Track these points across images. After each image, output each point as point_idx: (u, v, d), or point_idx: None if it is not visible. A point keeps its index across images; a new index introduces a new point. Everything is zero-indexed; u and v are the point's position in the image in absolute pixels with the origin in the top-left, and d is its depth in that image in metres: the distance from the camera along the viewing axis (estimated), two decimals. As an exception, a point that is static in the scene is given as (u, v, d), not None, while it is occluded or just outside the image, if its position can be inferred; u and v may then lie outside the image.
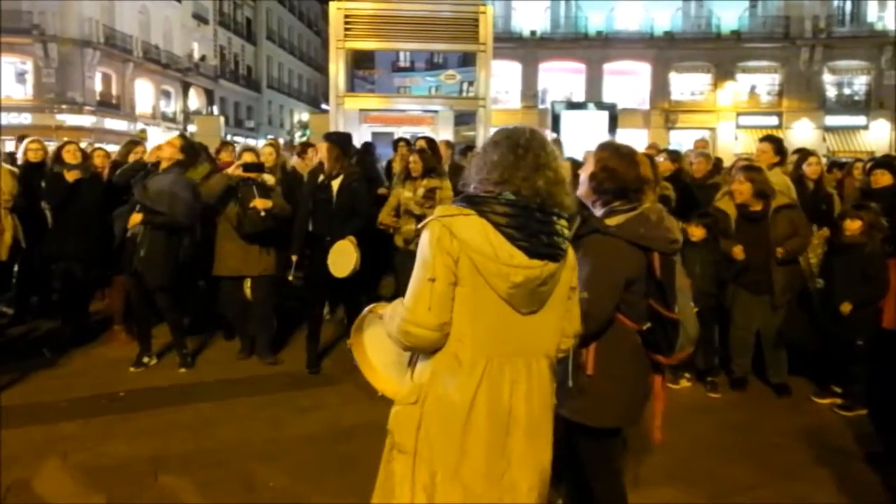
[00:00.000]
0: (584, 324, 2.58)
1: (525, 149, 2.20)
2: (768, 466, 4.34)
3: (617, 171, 2.82)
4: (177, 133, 6.34)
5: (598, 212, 2.87)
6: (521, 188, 2.14)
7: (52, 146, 7.32)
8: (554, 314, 2.25)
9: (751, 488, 4.06)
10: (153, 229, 5.63)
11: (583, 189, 2.92)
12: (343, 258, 5.55)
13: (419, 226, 2.12)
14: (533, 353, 2.21)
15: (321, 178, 5.82)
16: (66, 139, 7.34)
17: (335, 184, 5.74)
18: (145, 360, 5.95)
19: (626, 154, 2.90)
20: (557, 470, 2.55)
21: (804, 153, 7.04)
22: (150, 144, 7.15)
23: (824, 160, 10.67)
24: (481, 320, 2.13)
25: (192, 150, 6.40)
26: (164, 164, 5.78)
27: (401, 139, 8.86)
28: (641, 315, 2.78)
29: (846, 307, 5.07)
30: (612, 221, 2.77)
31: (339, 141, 5.99)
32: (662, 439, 3.03)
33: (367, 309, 2.49)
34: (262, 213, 5.80)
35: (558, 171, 2.22)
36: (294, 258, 5.94)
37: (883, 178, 5.96)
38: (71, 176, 6.12)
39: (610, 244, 2.71)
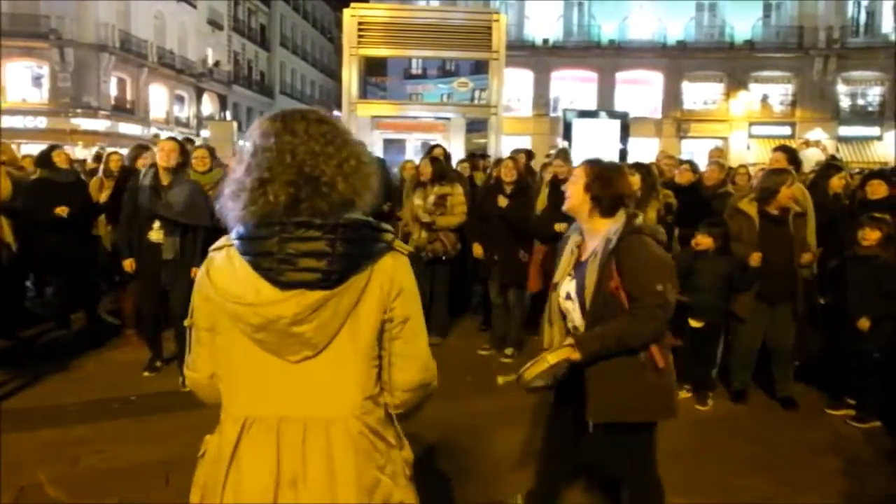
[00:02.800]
0: (665, 315, 2.82)
1: (263, 137, 1.72)
2: (782, 478, 4.29)
3: (611, 179, 2.97)
4: (169, 137, 6.28)
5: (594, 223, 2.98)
6: (268, 198, 1.66)
7: (68, 150, 7.37)
8: (352, 361, 1.71)
9: (765, 500, 4.03)
10: (174, 236, 5.51)
11: (571, 202, 3.03)
12: None
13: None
14: (317, 416, 1.68)
15: None
16: (52, 143, 7.36)
17: None
18: (158, 364, 5.93)
19: (614, 167, 3.15)
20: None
21: (832, 167, 7.02)
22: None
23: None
24: (239, 373, 1.73)
25: (185, 150, 6.33)
26: (164, 172, 5.52)
27: (437, 145, 8.85)
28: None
29: (865, 323, 5.01)
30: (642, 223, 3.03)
31: None
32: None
33: None
34: None
35: (330, 152, 1.69)
36: None
37: (880, 189, 5.89)
38: (60, 211, 6.20)
39: (650, 240, 2.91)
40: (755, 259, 5.18)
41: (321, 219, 1.64)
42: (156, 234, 5.51)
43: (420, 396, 1.83)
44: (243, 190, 1.67)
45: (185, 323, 1.82)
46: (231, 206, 1.70)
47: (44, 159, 6.57)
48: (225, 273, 1.68)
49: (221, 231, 1.78)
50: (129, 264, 5.61)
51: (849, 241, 5.30)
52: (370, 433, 1.72)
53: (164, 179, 5.48)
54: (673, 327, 3.05)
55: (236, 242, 1.68)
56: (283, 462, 1.66)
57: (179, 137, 7.35)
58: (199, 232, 5.51)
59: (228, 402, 1.76)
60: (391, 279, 1.71)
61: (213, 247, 1.75)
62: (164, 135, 22.32)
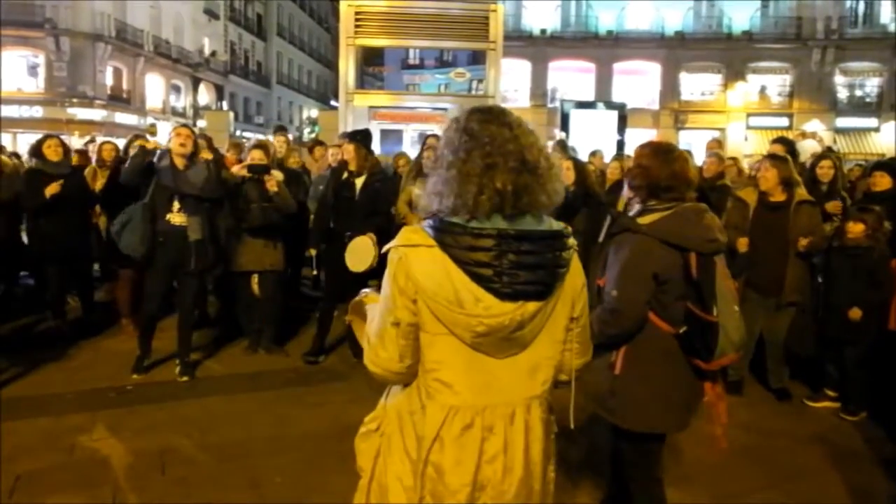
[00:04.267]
0: (615, 321, 2.71)
1: (471, 140, 1.78)
2: (775, 469, 4.33)
3: (650, 169, 2.80)
4: (182, 124, 6.17)
5: (635, 210, 2.86)
6: (478, 205, 1.73)
7: (65, 139, 7.30)
8: (546, 352, 1.90)
9: (758, 490, 4.05)
10: (198, 215, 5.42)
11: (625, 189, 2.98)
12: (362, 254, 5.60)
13: (385, 247, 1.85)
14: (516, 401, 1.87)
15: (345, 175, 5.89)
16: (47, 133, 7.23)
17: (358, 182, 5.84)
18: (145, 363, 5.71)
19: (662, 152, 2.87)
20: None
21: (821, 156, 7.00)
22: (160, 139, 7.07)
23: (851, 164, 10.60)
24: (447, 367, 1.83)
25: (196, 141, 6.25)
26: (179, 158, 5.41)
27: (432, 134, 8.85)
28: (677, 318, 2.71)
29: (856, 313, 5.02)
30: (644, 220, 2.76)
31: (364, 140, 6.07)
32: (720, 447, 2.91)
33: (362, 294, 2.20)
34: (263, 205, 5.82)
35: (532, 159, 1.78)
36: (313, 252, 6.11)
37: (882, 181, 5.86)
38: (49, 191, 6.06)
39: (639, 242, 2.70)
40: (742, 244, 5.16)
41: (539, 211, 1.79)
42: (178, 216, 5.35)
43: (582, 374, 2.07)
44: (469, 176, 1.74)
45: (390, 321, 1.82)
46: (452, 192, 1.75)
47: (35, 150, 6.48)
48: (434, 276, 1.74)
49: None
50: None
51: (836, 232, 5.30)
52: (549, 408, 1.98)
53: (180, 164, 5.38)
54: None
55: (440, 245, 1.74)
56: (487, 443, 1.84)
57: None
58: (216, 210, 5.56)
59: (433, 390, 1.85)
60: (578, 276, 1.92)
61: (405, 243, 1.78)
62: (160, 125, 22.28)
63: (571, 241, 1.88)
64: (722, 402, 2.90)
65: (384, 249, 1.85)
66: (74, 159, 7.29)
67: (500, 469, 1.84)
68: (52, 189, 6.08)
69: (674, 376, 2.80)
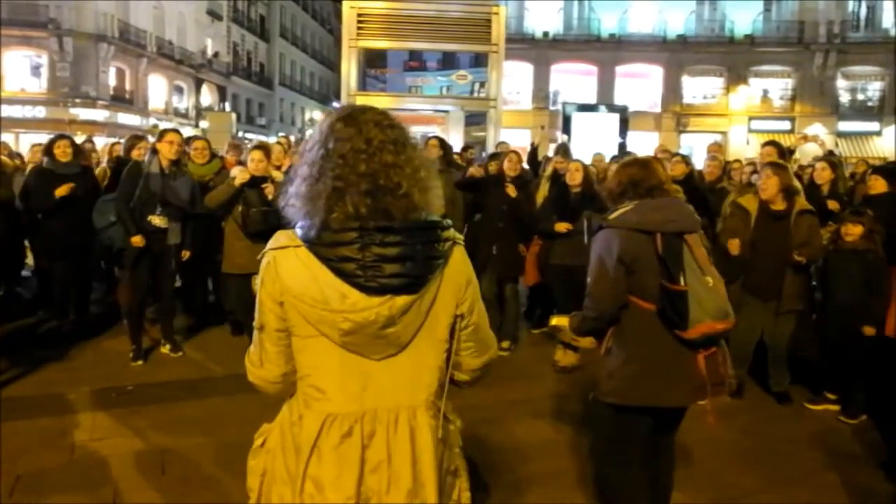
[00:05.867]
0: (592, 305, 3.05)
1: (336, 140, 1.71)
2: (774, 472, 4.33)
3: (606, 180, 3.30)
4: (173, 129, 6.22)
5: (609, 211, 3.19)
6: (329, 222, 1.66)
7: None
8: (428, 352, 1.80)
9: (756, 493, 4.06)
10: (178, 221, 5.86)
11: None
12: None
13: (259, 255, 1.81)
14: (399, 406, 1.76)
15: None
16: (57, 133, 7.26)
17: None
18: (140, 362, 5.92)
19: (623, 165, 3.31)
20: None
21: (818, 158, 7.03)
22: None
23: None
24: (321, 372, 1.75)
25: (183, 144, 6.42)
26: (167, 163, 5.76)
27: (433, 136, 8.89)
28: (655, 295, 2.94)
29: (869, 331, 5.01)
30: (612, 216, 3.09)
31: None
32: (712, 423, 3.00)
33: None
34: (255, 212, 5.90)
35: (387, 182, 1.68)
36: None
37: (877, 184, 5.84)
38: (60, 192, 6.15)
39: (606, 233, 3.05)
40: (733, 246, 5.18)
41: (398, 223, 1.67)
42: (160, 219, 5.71)
43: (487, 371, 1.97)
44: (318, 195, 1.67)
45: (255, 324, 1.81)
46: (303, 207, 1.69)
47: (46, 150, 6.59)
48: (300, 276, 1.68)
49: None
50: (139, 240, 5.64)
51: (833, 236, 5.30)
52: (439, 413, 1.83)
53: (168, 169, 5.74)
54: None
55: (307, 244, 1.68)
56: (368, 451, 1.73)
57: (179, 128, 7.31)
58: (189, 220, 5.94)
59: (308, 398, 1.78)
60: (461, 272, 1.81)
61: (274, 246, 1.74)
62: (162, 125, 22.28)
63: (450, 233, 1.78)
64: (710, 374, 2.95)
65: (258, 256, 1.80)
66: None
67: (385, 480, 1.73)
68: (62, 191, 6.16)
69: (660, 351, 2.97)
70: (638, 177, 3.11)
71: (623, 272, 2.96)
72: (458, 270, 1.80)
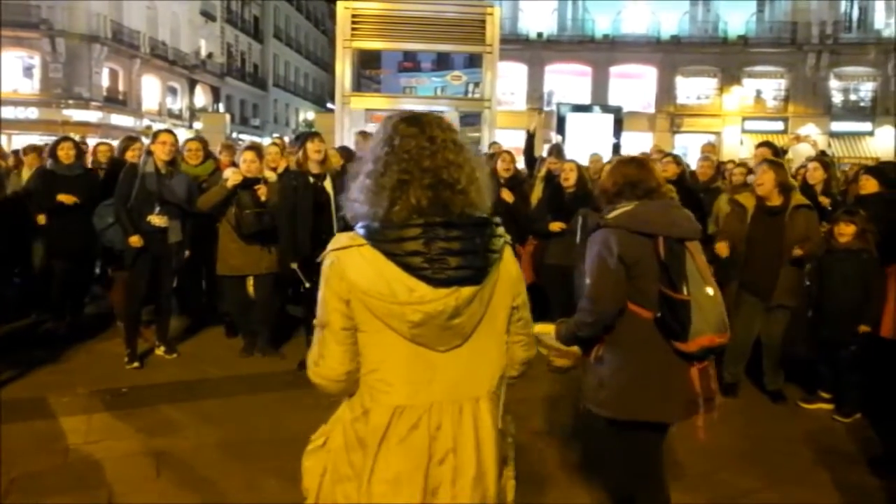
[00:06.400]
0: (592, 308, 2.86)
1: (402, 138, 1.81)
2: (770, 471, 4.34)
3: (600, 179, 3.11)
4: (166, 130, 6.21)
5: (605, 210, 3.04)
6: (391, 215, 1.75)
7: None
8: (490, 344, 1.89)
9: (753, 492, 4.07)
10: (177, 219, 5.82)
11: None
12: None
13: (319, 257, 1.85)
14: (463, 398, 1.83)
15: (311, 179, 5.81)
16: (63, 134, 7.33)
17: (327, 184, 5.78)
18: (136, 364, 5.87)
19: (617, 163, 3.19)
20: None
21: (809, 158, 7.06)
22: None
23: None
24: (389, 365, 1.81)
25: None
26: (162, 163, 5.77)
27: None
28: (654, 302, 2.81)
29: (865, 329, 5.04)
30: (610, 216, 2.95)
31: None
32: (704, 439, 2.93)
33: None
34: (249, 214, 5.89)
35: (449, 177, 1.78)
36: (295, 265, 5.60)
37: (868, 184, 5.87)
38: (62, 198, 6.23)
39: (605, 233, 2.90)
40: (720, 248, 5.21)
41: (478, 211, 1.81)
42: (159, 218, 5.69)
43: (529, 367, 2.07)
44: (383, 188, 1.76)
45: (316, 323, 1.84)
46: (367, 200, 1.78)
47: (50, 152, 6.68)
48: (366, 273, 1.74)
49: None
50: (136, 240, 5.63)
51: (826, 236, 5.31)
52: (499, 403, 1.93)
53: (164, 169, 5.75)
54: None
55: (370, 242, 1.75)
56: (436, 443, 1.79)
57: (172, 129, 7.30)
58: (188, 219, 5.91)
59: (376, 391, 1.82)
60: (513, 267, 1.93)
61: (336, 246, 1.80)
62: (156, 126, 22.23)
63: (501, 230, 1.90)
64: (704, 389, 2.86)
65: (319, 259, 1.85)
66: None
67: (451, 469, 1.80)
68: (64, 198, 6.23)
69: (655, 362, 2.84)
70: (636, 177, 2.97)
71: (624, 272, 2.81)
72: (512, 266, 1.92)
